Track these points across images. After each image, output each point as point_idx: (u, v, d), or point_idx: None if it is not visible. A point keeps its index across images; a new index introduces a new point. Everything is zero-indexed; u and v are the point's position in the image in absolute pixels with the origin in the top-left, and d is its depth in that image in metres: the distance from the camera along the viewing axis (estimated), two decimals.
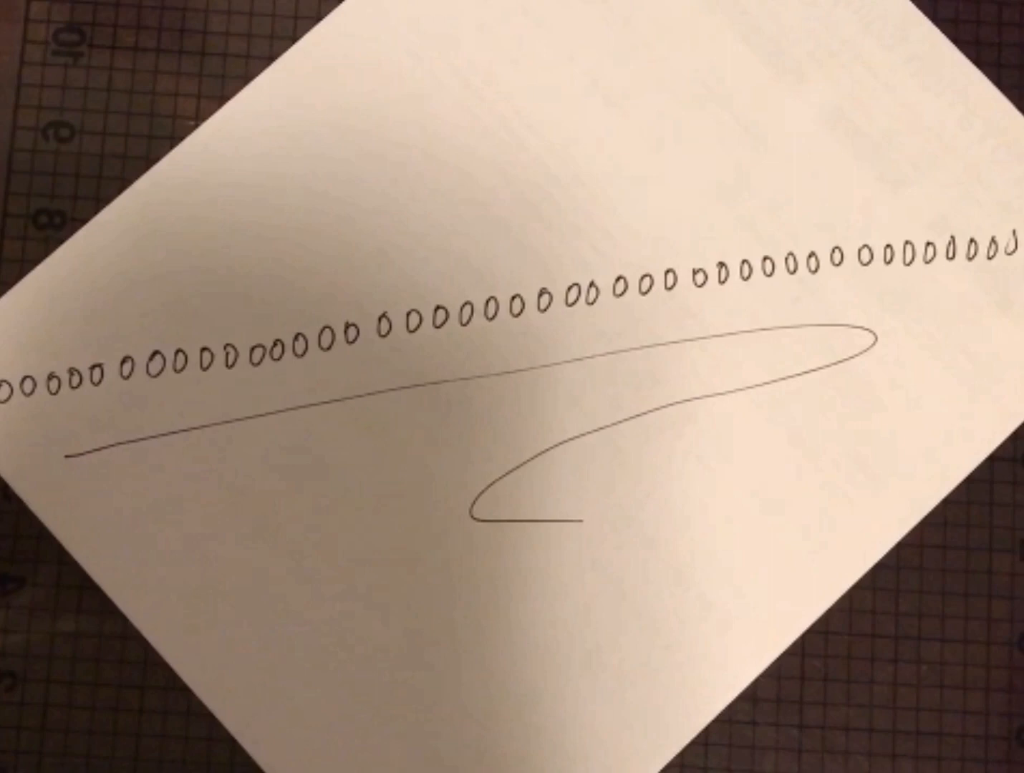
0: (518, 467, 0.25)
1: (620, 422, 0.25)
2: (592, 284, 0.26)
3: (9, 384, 0.25)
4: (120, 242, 0.26)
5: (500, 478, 0.25)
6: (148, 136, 0.26)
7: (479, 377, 0.25)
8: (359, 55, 0.26)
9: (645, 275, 0.26)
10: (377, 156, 0.26)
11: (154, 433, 0.25)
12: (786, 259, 0.26)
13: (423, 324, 0.26)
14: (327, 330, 0.25)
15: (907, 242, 0.26)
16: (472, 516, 0.25)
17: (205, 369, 0.25)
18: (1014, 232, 0.26)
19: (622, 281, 0.26)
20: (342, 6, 0.27)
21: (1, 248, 0.26)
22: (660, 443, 0.25)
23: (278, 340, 0.25)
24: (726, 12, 0.27)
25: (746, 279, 0.26)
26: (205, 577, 0.25)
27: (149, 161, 0.26)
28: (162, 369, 0.25)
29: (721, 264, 0.26)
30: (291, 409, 0.25)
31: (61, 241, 0.26)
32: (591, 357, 0.25)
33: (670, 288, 0.26)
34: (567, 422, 0.25)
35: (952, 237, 0.26)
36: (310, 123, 0.26)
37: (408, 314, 0.26)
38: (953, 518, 0.26)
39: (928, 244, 0.26)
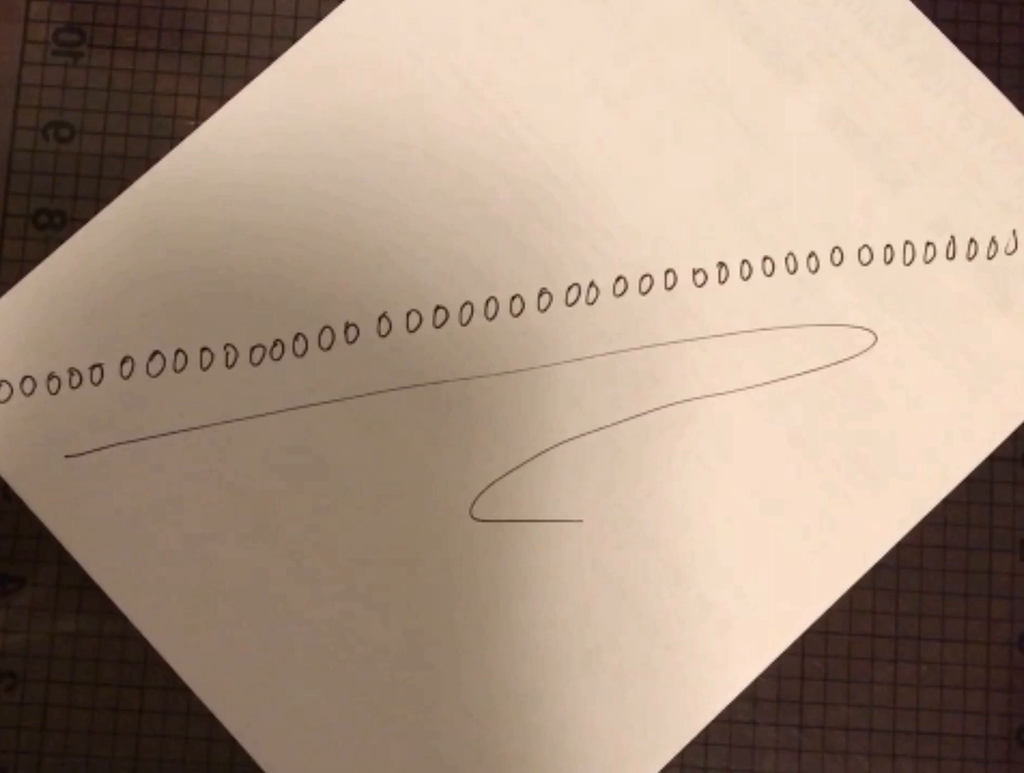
0: (518, 467, 0.25)
1: (620, 422, 0.25)
2: (592, 284, 0.26)
3: (9, 384, 0.25)
4: (120, 242, 0.26)
5: (500, 478, 0.25)
6: (148, 136, 0.26)
7: (479, 377, 0.25)
8: (359, 55, 0.26)
9: (645, 275, 0.26)
10: (377, 156, 0.26)
11: (154, 433, 0.25)
12: (786, 259, 0.26)
13: (423, 324, 0.26)
14: (327, 330, 0.25)
15: (907, 242, 0.26)
16: (472, 516, 0.25)
17: (205, 369, 0.25)
18: (1014, 232, 0.26)
19: (622, 281, 0.26)
20: (342, 6, 0.27)
21: (1, 248, 0.26)
22: (660, 443, 0.25)
23: (278, 340, 0.25)
24: (726, 12, 0.27)
25: (746, 279, 0.26)
26: (205, 577, 0.25)
27: (149, 161, 0.26)
28: (162, 369, 0.25)
29: (721, 264, 0.26)
30: (291, 409, 0.25)
31: (61, 241, 0.26)
32: (591, 357, 0.25)
33: (670, 288, 0.26)
34: (567, 422, 0.25)
35: (952, 237, 0.26)
36: (310, 123, 0.26)
37: (408, 314, 0.26)
38: (953, 518, 0.26)
39: (928, 244, 0.26)
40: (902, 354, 0.26)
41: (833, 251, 0.26)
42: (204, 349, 0.25)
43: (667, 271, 0.26)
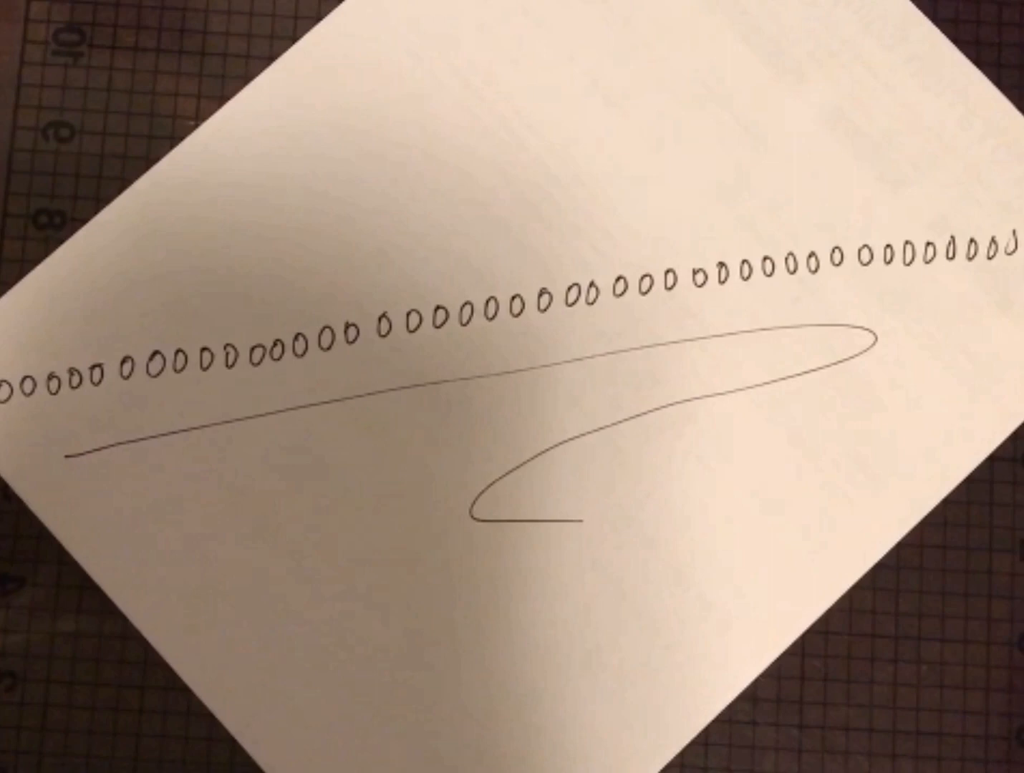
0: (518, 467, 0.25)
1: (620, 422, 0.25)
2: (592, 284, 0.26)
3: (9, 384, 0.25)
4: (120, 242, 0.26)
5: (500, 478, 0.25)
6: (148, 136, 0.26)
7: (479, 377, 0.25)
8: (359, 55, 0.26)
9: (645, 275, 0.26)
10: (377, 156, 0.26)
11: (154, 433, 0.25)
12: (786, 259, 0.26)
13: (423, 324, 0.26)
14: (327, 330, 0.25)
15: (907, 242, 0.26)
16: (472, 516, 0.25)
17: (205, 369, 0.25)
18: (1014, 232, 0.26)
19: (622, 281, 0.26)
20: (342, 6, 0.27)
21: (1, 248, 0.26)
22: (660, 443, 0.25)
23: (278, 340, 0.25)
24: (726, 12, 0.27)
25: (746, 279, 0.26)
26: (205, 577, 0.25)
27: (149, 161, 0.26)
28: (162, 369, 0.25)
29: (721, 264, 0.26)
30: (291, 409, 0.25)
31: (61, 241, 0.26)
32: (591, 357, 0.25)
33: (670, 288, 0.26)
34: (567, 422, 0.25)
35: (952, 237, 0.26)
36: (310, 123, 0.26)
37: (408, 314, 0.26)
38: (953, 518, 0.26)
39: (928, 244, 0.26)
40: (902, 354, 0.26)
41: (833, 251, 0.26)
42: (204, 349, 0.25)
43: (667, 271, 0.26)
